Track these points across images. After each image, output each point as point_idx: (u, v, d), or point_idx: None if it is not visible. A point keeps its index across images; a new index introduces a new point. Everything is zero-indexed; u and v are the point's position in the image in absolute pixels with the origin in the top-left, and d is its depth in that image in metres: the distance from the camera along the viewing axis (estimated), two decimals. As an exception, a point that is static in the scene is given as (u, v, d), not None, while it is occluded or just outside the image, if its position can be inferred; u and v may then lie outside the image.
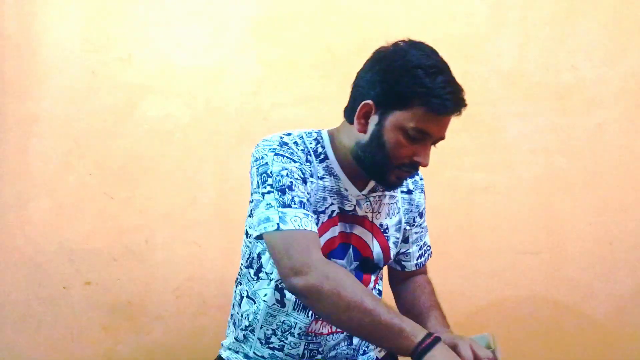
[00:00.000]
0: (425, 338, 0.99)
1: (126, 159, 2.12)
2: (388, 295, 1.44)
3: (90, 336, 2.10)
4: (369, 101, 1.15)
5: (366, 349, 1.39)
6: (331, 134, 1.27)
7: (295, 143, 1.21)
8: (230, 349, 1.35)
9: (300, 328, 1.24)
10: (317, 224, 1.19)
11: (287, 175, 1.14)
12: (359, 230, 1.27)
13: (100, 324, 2.11)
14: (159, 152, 2.12)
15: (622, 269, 2.08)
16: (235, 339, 1.33)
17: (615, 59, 2.10)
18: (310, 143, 1.24)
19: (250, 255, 1.30)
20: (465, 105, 1.15)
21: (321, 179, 1.22)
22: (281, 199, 1.12)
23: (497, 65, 2.12)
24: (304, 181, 1.16)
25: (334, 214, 1.23)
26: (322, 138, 1.26)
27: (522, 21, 2.12)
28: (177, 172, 2.11)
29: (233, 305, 1.36)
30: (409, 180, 1.38)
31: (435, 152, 2.08)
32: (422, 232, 1.45)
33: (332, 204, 1.23)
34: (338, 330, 1.27)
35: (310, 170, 1.20)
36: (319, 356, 1.27)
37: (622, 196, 2.08)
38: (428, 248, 1.48)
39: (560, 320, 2.09)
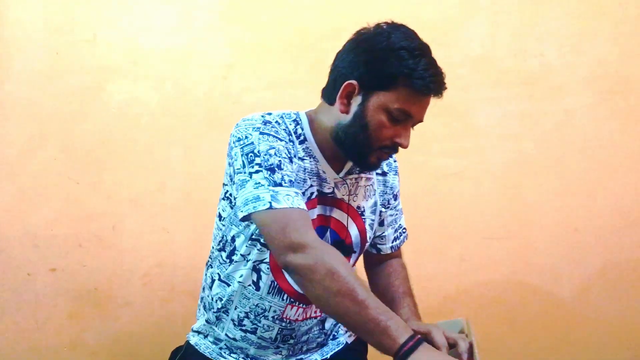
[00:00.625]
0: (408, 340, 0.98)
1: (92, 143, 2.08)
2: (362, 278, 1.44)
3: (55, 324, 2.07)
4: (353, 81, 1.15)
5: (336, 333, 1.40)
6: (309, 116, 1.26)
7: (277, 123, 1.20)
8: (200, 333, 1.34)
9: (274, 312, 1.24)
10: None
11: (275, 154, 1.13)
12: (337, 214, 1.27)
13: (66, 311, 2.07)
14: (127, 136, 2.08)
15: (587, 253, 2.12)
16: (207, 321, 1.32)
17: (583, 47, 2.13)
18: (290, 124, 1.23)
19: (223, 238, 1.28)
20: (445, 88, 1.18)
21: (302, 159, 1.21)
22: (271, 177, 1.10)
23: (467, 51, 2.13)
24: (290, 160, 1.16)
25: (313, 196, 1.23)
26: (300, 119, 1.25)
27: (491, 7, 2.13)
28: (145, 156, 2.08)
29: (203, 289, 1.34)
30: (383, 163, 1.38)
31: (405, 137, 2.09)
32: (397, 214, 1.45)
33: (311, 185, 1.22)
34: (312, 316, 1.28)
35: (294, 150, 1.19)
36: (292, 341, 1.27)
37: (588, 182, 2.11)
38: (404, 231, 1.48)
39: (528, 303, 2.12)
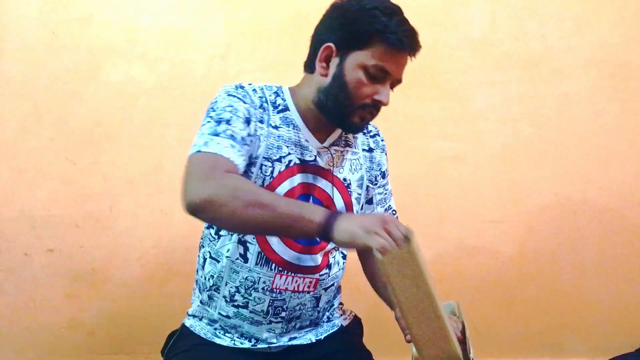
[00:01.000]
0: (325, 216, 1.01)
1: (89, 123, 2.07)
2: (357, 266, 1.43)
3: (52, 304, 2.08)
4: (330, 44, 1.19)
5: (330, 315, 1.40)
6: (292, 89, 1.29)
7: (254, 90, 1.23)
8: (194, 316, 1.34)
9: (264, 282, 1.24)
10: (272, 172, 1.20)
11: (229, 111, 1.16)
12: (322, 183, 1.27)
13: (63, 291, 2.08)
14: (123, 116, 2.07)
15: (586, 238, 2.12)
16: (201, 302, 1.32)
17: (584, 30, 2.11)
18: (270, 95, 1.25)
19: None
20: (420, 46, 1.20)
21: (276, 128, 1.22)
22: (215, 128, 1.13)
23: (467, 34, 2.11)
24: (247, 121, 1.17)
25: (292, 164, 1.23)
26: (282, 92, 1.27)
27: (492, -12, 2.10)
28: (142, 137, 2.07)
29: (197, 271, 1.35)
30: (370, 140, 1.41)
31: (403, 120, 2.09)
32: (386, 194, 1.45)
33: (289, 153, 1.23)
34: (304, 289, 1.28)
35: (262, 117, 1.21)
36: (283, 313, 1.27)
37: (586, 167, 2.11)
38: (393, 212, 1.48)
39: (525, 286, 2.13)
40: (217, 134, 1.11)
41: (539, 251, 2.12)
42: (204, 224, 1.32)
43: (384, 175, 1.44)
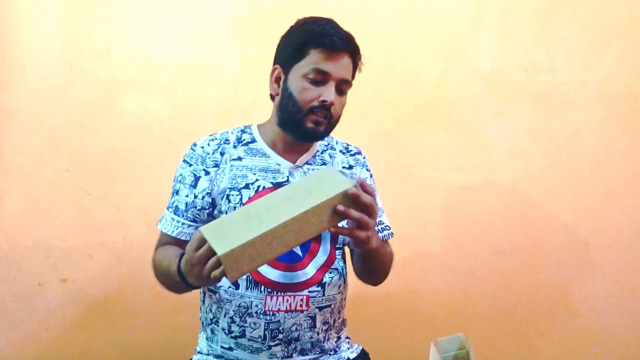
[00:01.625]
0: (178, 261, 1.14)
1: (104, 154, 2.10)
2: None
3: (65, 334, 2.08)
4: (276, 65, 1.33)
5: (337, 348, 1.40)
6: (260, 124, 1.41)
7: (202, 147, 1.36)
8: (201, 353, 1.37)
9: (256, 306, 1.27)
10: (241, 199, 1.30)
11: (180, 181, 1.34)
12: None
13: (76, 321, 2.09)
14: (137, 148, 2.10)
15: (597, 270, 2.10)
16: (206, 338, 1.36)
17: (594, 63, 2.12)
18: (234, 134, 1.38)
19: None
20: (356, 48, 1.31)
21: (239, 159, 1.34)
22: (170, 201, 1.35)
23: (477, 66, 2.13)
24: (194, 183, 1.32)
25: (261, 188, 1.30)
26: (250, 128, 1.40)
27: (502, 23, 2.13)
28: (156, 168, 2.09)
29: (200, 308, 1.40)
30: (350, 158, 1.46)
31: (414, 151, 2.10)
32: None
33: (257, 180, 1.31)
34: (297, 309, 1.29)
35: (215, 162, 1.33)
36: (280, 335, 1.28)
37: (597, 198, 2.10)
38: (386, 227, 1.48)
39: (536, 319, 2.11)
40: (168, 208, 1.34)
41: (550, 283, 2.11)
42: None
43: None
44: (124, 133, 2.09)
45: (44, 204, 2.09)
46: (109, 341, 2.09)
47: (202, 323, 1.38)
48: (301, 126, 1.29)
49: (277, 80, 1.33)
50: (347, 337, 1.47)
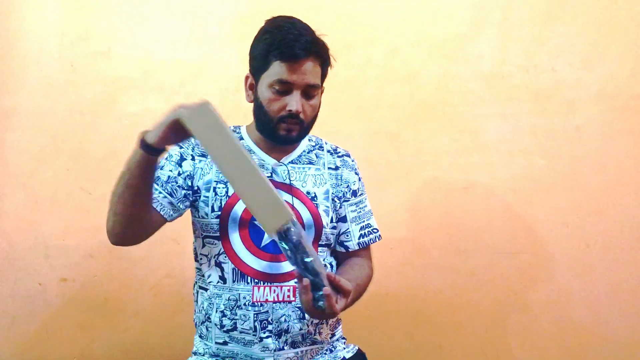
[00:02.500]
0: (138, 141, 1.14)
1: (104, 154, 2.10)
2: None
3: (65, 334, 2.08)
4: (248, 73, 1.37)
5: (332, 348, 1.40)
6: (248, 125, 1.45)
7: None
8: (196, 354, 1.39)
9: (244, 298, 1.30)
10: (227, 192, 1.33)
11: (166, 158, 1.36)
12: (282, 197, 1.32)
13: (76, 321, 2.09)
14: (138, 147, 2.10)
15: (598, 270, 2.10)
16: (200, 336, 1.39)
17: (595, 62, 2.12)
18: None
19: (194, 249, 1.43)
20: (321, 50, 1.32)
21: None
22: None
23: (478, 67, 2.13)
24: (179, 162, 1.35)
25: None
26: (239, 128, 1.45)
27: (502, 23, 2.13)
28: (156, 168, 2.09)
29: (195, 309, 1.42)
30: (337, 159, 1.48)
31: (415, 151, 2.10)
32: (361, 212, 1.49)
33: None
34: (284, 299, 1.31)
35: (202, 152, 1.37)
36: (270, 327, 1.30)
37: (598, 198, 2.10)
38: (374, 230, 1.51)
39: (537, 319, 2.11)
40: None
41: (551, 283, 2.11)
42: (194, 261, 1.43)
43: (355, 194, 1.47)
44: (124, 132, 2.09)
45: (45, 203, 2.09)
46: (109, 341, 2.09)
47: (196, 324, 1.40)
48: (274, 134, 1.33)
49: (251, 87, 1.36)
50: (343, 338, 1.47)
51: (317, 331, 1.36)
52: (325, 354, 1.39)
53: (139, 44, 2.12)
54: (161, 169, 1.33)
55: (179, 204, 1.33)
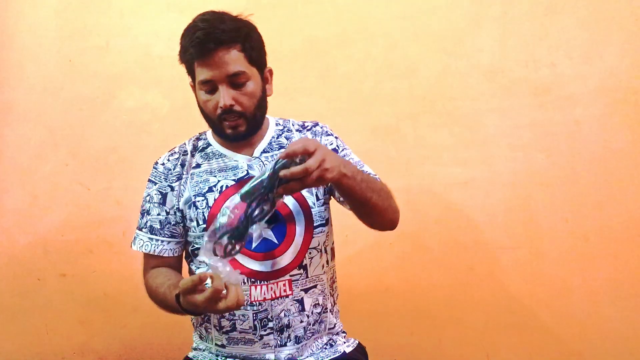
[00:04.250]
0: (176, 296, 1.14)
1: (103, 149, 2.10)
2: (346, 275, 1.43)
3: (65, 329, 2.08)
4: (190, 79, 1.37)
5: (333, 342, 1.40)
6: None
7: (163, 163, 1.40)
8: (197, 349, 1.40)
9: None
10: (207, 203, 1.32)
11: (148, 200, 1.38)
12: None
13: (76, 316, 2.09)
14: (137, 142, 2.10)
15: (598, 265, 2.10)
16: (200, 337, 1.40)
17: (594, 57, 2.11)
18: (191, 144, 1.43)
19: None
20: (234, 37, 1.28)
21: (198, 166, 1.38)
22: (140, 221, 1.38)
23: (477, 61, 2.12)
24: (162, 200, 1.36)
25: (225, 188, 1.33)
26: (205, 134, 1.45)
27: (502, 17, 2.12)
28: (155, 163, 2.09)
29: None
30: (307, 133, 1.44)
31: (414, 146, 2.10)
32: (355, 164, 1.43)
33: (218, 181, 1.34)
34: (281, 295, 1.30)
35: (179, 174, 1.37)
36: (270, 324, 1.30)
37: (598, 193, 2.10)
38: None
39: (536, 314, 2.11)
40: (142, 228, 1.37)
41: (551, 278, 2.11)
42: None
43: (336, 151, 1.41)
44: (123, 128, 2.09)
45: (43, 199, 2.08)
46: (109, 336, 2.09)
47: (194, 324, 1.41)
48: (222, 133, 1.33)
49: (195, 94, 1.37)
50: (344, 332, 1.47)
51: (320, 320, 1.36)
52: (325, 348, 1.39)
53: (137, 40, 2.11)
54: (148, 213, 1.37)
55: (181, 237, 1.37)
